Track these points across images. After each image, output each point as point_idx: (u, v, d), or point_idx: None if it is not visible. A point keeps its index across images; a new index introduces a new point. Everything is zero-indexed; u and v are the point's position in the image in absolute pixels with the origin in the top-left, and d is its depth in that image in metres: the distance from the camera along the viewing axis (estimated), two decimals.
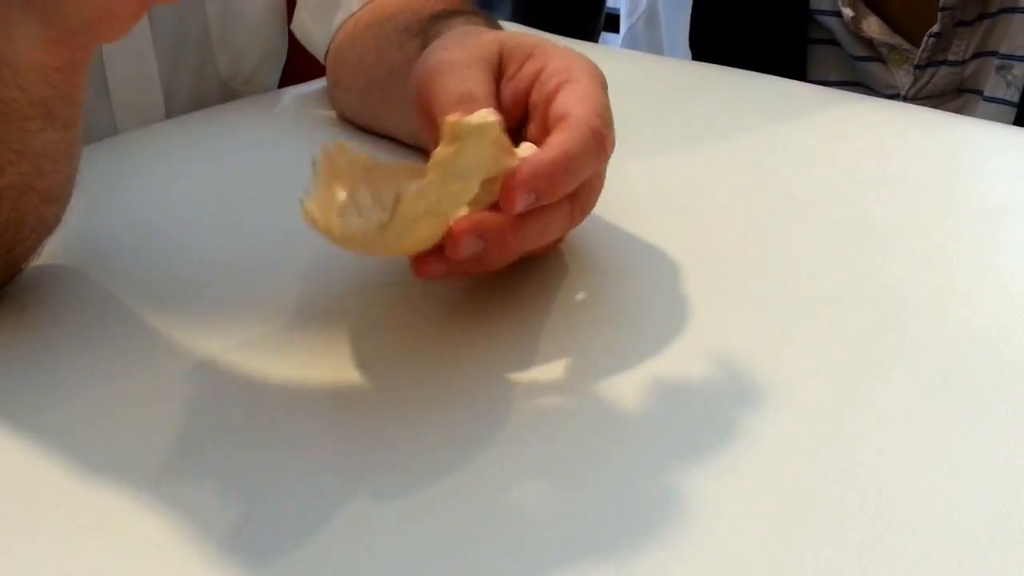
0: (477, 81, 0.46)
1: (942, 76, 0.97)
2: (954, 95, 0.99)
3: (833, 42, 1.03)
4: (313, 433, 0.40)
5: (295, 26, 0.74)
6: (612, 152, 0.47)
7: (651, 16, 1.99)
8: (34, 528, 0.35)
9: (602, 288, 0.47)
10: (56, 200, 0.46)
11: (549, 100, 0.45)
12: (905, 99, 0.99)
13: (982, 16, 0.95)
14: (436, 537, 0.34)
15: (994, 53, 0.95)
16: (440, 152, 0.39)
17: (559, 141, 0.41)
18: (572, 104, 0.43)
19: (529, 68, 0.47)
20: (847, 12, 0.97)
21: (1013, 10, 0.94)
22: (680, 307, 0.45)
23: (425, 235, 0.40)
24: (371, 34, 0.65)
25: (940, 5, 0.93)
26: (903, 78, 0.98)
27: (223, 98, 0.76)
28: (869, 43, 0.99)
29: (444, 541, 0.33)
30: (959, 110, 0.99)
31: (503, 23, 0.87)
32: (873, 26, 0.98)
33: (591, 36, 1.48)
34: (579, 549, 0.33)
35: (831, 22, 1.01)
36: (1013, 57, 0.94)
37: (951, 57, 0.97)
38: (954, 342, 0.42)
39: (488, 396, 0.41)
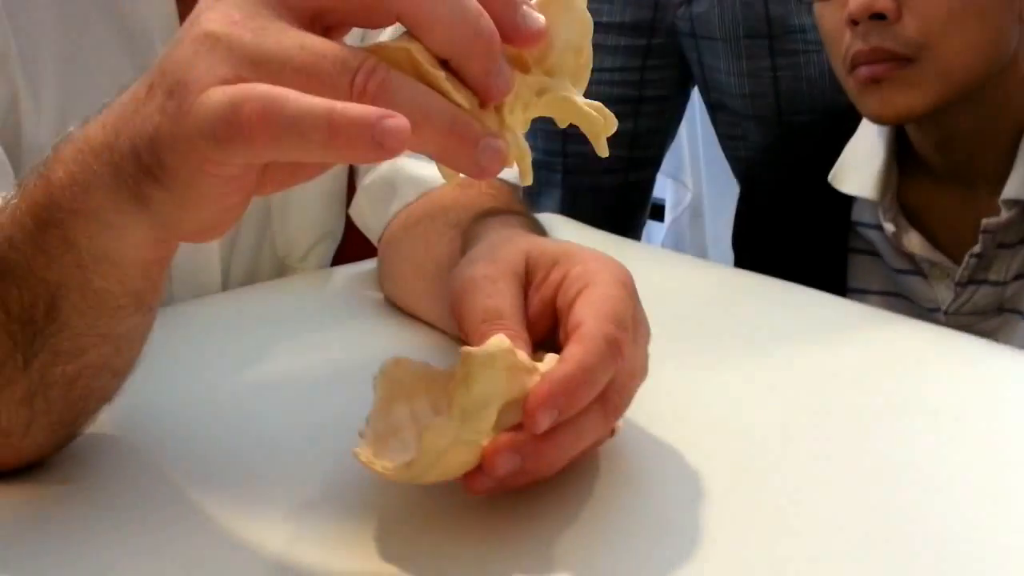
0: (503, 295, 0.47)
1: (983, 295, 0.98)
2: (995, 314, 0.99)
3: (875, 253, 1.04)
4: None
5: (353, 210, 0.77)
6: (647, 343, 0.48)
7: (695, 210, 2.04)
8: None
9: (629, 497, 0.47)
10: (124, 374, 0.48)
11: (570, 307, 0.46)
12: (946, 314, 0.99)
13: (1023, 240, 0.96)
14: None
15: None
16: (455, 388, 0.40)
17: (573, 354, 0.42)
18: (586, 313, 0.44)
19: (554, 276, 0.48)
20: (889, 227, 0.99)
21: None
22: (704, 524, 0.45)
23: (461, 461, 0.41)
24: (423, 227, 0.68)
25: (982, 228, 0.95)
26: (944, 294, 0.99)
27: (277, 273, 0.78)
28: (910, 258, 1.01)
29: None
30: (999, 328, 0.99)
31: (550, 215, 0.91)
32: (914, 242, 1.00)
33: (636, 227, 1.52)
34: None
35: (873, 235, 1.03)
36: None
37: (992, 277, 0.98)
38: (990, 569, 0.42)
39: None
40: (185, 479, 0.48)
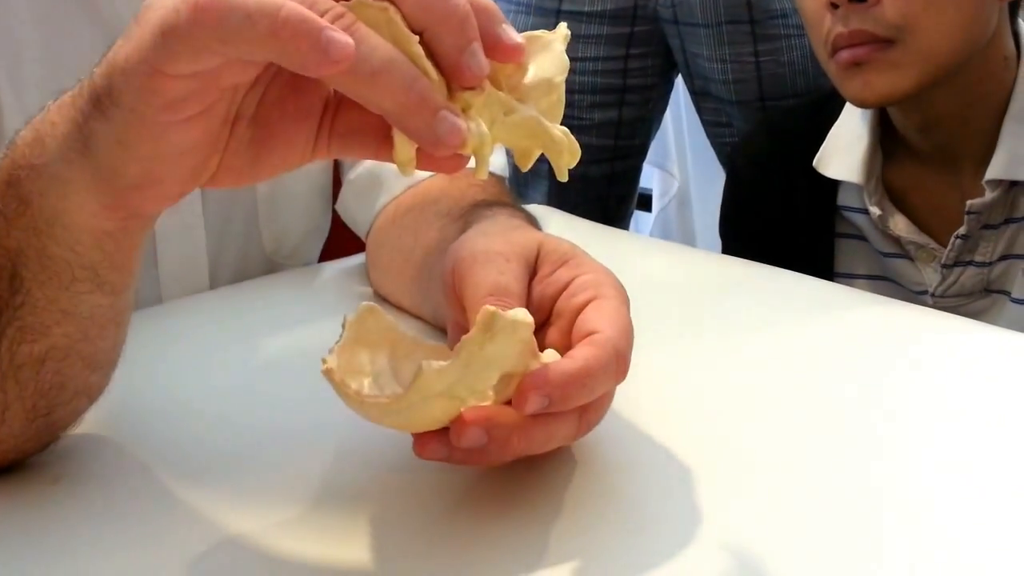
0: (514, 276, 0.47)
1: (970, 276, 0.99)
2: (982, 295, 1.00)
3: (861, 237, 1.05)
4: None
5: (340, 206, 0.77)
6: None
7: (683, 199, 2.04)
8: None
9: (615, 484, 0.47)
10: (100, 368, 0.48)
11: (576, 311, 0.46)
12: (933, 296, 1.00)
13: (1008, 220, 0.97)
14: None
15: (1021, 256, 0.96)
16: (469, 337, 0.40)
17: (584, 355, 0.42)
18: (603, 322, 0.44)
19: (561, 275, 0.48)
20: (874, 210, 0.99)
21: None
22: (693, 507, 0.45)
23: (435, 416, 0.41)
24: (411, 217, 0.68)
25: (967, 209, 0.95)
26: (931, 276, 1.00)
27: (265, 270, 0.78)
28: (897, 241, 1.01)
29: None
30: (987, 309, 1.00)
31: (537, 206, 0.91)
32: (900, 225, 1.00)
33: (624, 217, 1.52)
34: None
35: (859, 219, 1.03)
36: None
37: (978, 258, 0.98)
38: (974, 549, 0.42)
39: None
40: (175, 477, 0.48)
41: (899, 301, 0.72)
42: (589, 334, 0.44)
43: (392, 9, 0.36)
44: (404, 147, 0.38)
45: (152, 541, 0.44)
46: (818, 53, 0.97)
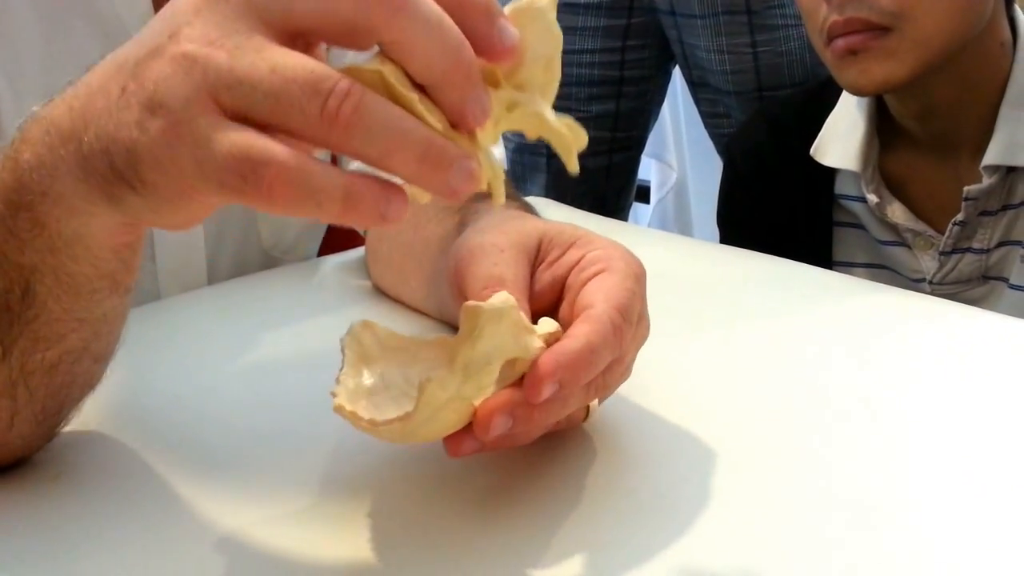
0: (508, 265, 0.48)
1: (967, 263, 0.99)
2: (980, 281, 1.00)
3: (859, 225, 1.05)
4: None
5: None
6: (642, 343, 0.48)
7: (680, 191, 2.04)
8: None
9: (626, 475, 0.48)
10: (104, 359, 0.48)
11: (582, 286, 0.46)
12: (931, 284, 1.00)
13: (1006, 207, 0.97)
14: None
15: (1019, 243, 0.96)
16: (460, 340, 0.40)
17: (584, 332, 0.43)
18: (598, 297, 0.45)
19: (571, 255, 0.49)
20: (872, 198, 0.99)
21: None
22: (702, 496, 0.45)
23: (452, 420, 0.41)
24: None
25: (964, 195, 0.95)
26: (928, 264, 1.00)
27: (264, 265, 0.78)
28: (894, 228, 1.01)
29: None
30: (985, 296, 1.00)
31: (536, 198, 0.91)
32: (897, 212, 1.00)
33: (623, 208, 1.52)
34: None
35: (856, 207, 1.03)
36: None
37: (976, 245, 0.98)
38: (973, 533, 0.42)
39: None
40: (175, 473, 0.48)
41: (897, 288, 0.72)
42: (585, 309, 0.44)
43: (386, 70, 0.36)
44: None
45: (152, 536, 0.44)
46: (814, 41, 0.97)
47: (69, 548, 0.43)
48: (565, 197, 0.99)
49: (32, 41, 0.64)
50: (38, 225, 0.40)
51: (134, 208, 0.38)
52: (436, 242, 0.60)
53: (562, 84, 0.41)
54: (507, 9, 0.39)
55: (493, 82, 0.39)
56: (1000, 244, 0.98)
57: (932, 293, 0.98)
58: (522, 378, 0.42)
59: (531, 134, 0.41)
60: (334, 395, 0.41)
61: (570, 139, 0.41)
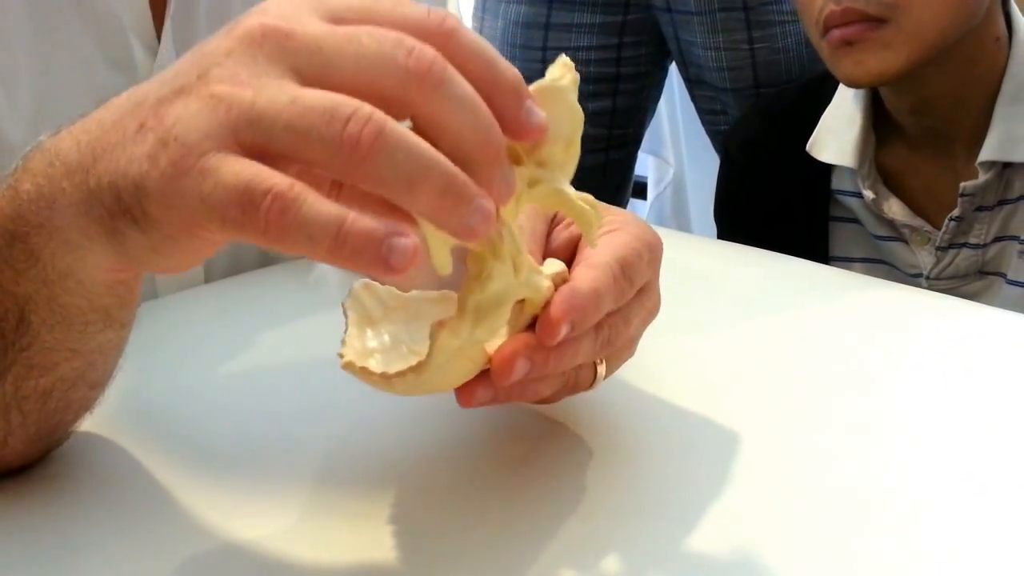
0: (527, 217, 0.48)
1: (964, 258, 0.99)
2: (977, 277, 1.00)
3: (856, 221, 1.05)
4: None
5: None
6: (650, 318, 0.49)
7: (678, 187, 2.04)
8: None
9: (625, 472, 0.48)
10: (100, 385, 0.48)
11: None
12: (928, 279, 1.00)
13: (1002, 202, 0.97)
14: None
15: (1015, 238, 0.97)
16: (469, 287, 0.40)
17: (590, 276, 0.43)
18: (604, 249, 0.45)
19: None
20: (868, 194, 0.99)
21: None
22: (701, 492, 0.45)
23: (466, 367, 0.41)
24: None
25: (960, 191, 0.95)
26: (925, 259, 1.00)
27: (260, 263, 0.78)
28: (891, 224, 1.01)
29: None
30: (982, 291, 1.00)
31: None
32: (894, 208, 1.00)
33: (620, 205, 1.52)
34: None
35: (853, 202, 1.04)
36: None
37: (972, 240, 0.98)
38: (971, 527, 0.42)
39: None
40: (173, 473, 0.48)
41: (894, 283, 0.72)
42: (589, 256, 0.45)
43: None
44: (440, 251, 0.38)
45: (151, 537, 0.44)
46: (810, 33, 0.97)
47: (64, 547, 0.43)
48: None
49: (24, 36, 0.64)
50: (32, 256, 0.40)
51: (135, 246, 0.37)
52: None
53: None
54: (531, 88, 0.39)
55: (515, 159, 0.40)
56: (996, 239, 0.98)
57: (929, 288, 0.98)
58: (532, 326, 0.42)
59: (551, 210, 0.42)
60: (341, 356, 0.41)
61: (591, 215, 0.42)
